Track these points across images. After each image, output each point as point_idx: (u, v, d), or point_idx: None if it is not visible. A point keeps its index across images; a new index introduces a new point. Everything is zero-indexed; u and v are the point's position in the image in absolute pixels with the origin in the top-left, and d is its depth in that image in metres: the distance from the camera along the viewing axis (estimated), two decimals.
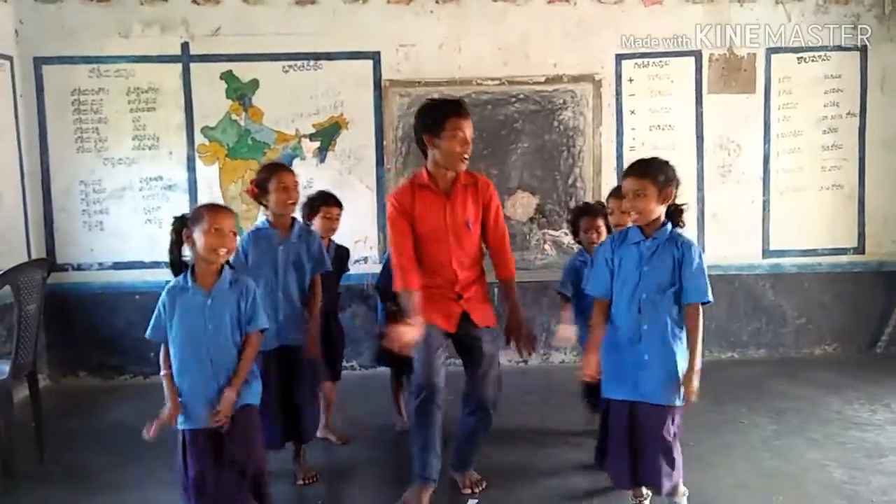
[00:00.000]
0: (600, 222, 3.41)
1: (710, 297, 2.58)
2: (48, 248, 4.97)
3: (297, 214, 3.40)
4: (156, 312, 2.48)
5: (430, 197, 2.86)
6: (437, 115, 2.79)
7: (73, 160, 4.96)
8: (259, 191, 3.10)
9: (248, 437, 2.52)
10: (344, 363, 4.95)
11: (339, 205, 3.68)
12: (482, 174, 3.12)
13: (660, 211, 2.58)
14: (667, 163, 2.60)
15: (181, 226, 2.48)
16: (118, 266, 5.00)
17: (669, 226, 2.62)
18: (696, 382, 2.50)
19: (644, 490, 2.77)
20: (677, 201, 2.65)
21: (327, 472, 3.35)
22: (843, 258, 5.29)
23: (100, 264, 5.01)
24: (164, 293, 2.49)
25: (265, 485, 2.58)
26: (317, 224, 3.59)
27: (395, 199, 2.88)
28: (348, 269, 3.92)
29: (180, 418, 2.46)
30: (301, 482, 3.21)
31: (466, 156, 2.83)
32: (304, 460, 3.29)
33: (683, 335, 2.61)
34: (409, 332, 2.67)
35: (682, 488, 2.71)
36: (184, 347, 2.46)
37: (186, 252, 2.53)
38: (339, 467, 3.43)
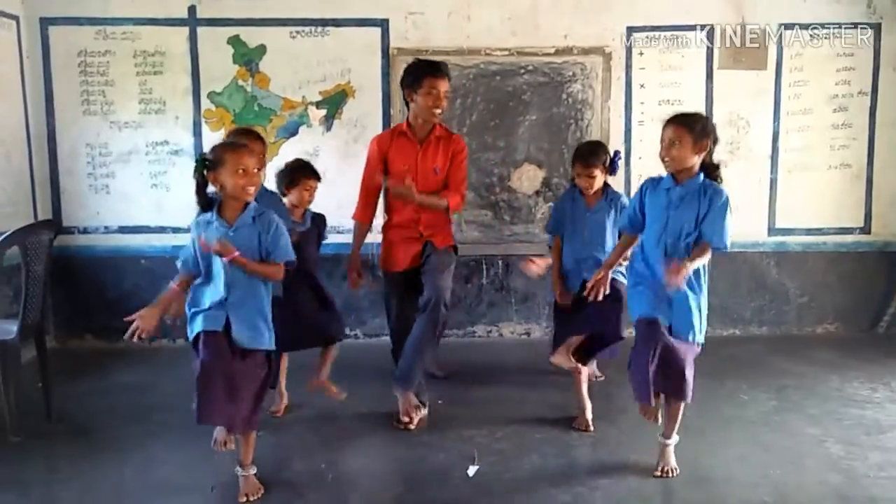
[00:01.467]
0: (595, 171, 3.43)
1: (725, 243, 2.71)
2: (54, 210, 4.98)
3: (272, 184, 3.56)
4: (187, 246, 2.69)
5: (405, 143, 3.41)
6: (417, 73, 3.28)
7: (79, 123, 4.94)
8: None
9: (256, 368, 2.70)
10: (347, 332, 5.04)
11: (317, 177, 3.61)
12: (486, 146, 3.48)
13: (694, 161, 2.72)
14: (706, 117, 2.87)
15: (204, 167, 2.58)
16: (124, 230, 5.01)
17: (702, 176, 2.75)
18: (679, 275, 2.57)
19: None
20: (713, 160, 2.79)
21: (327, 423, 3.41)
22: (849, 237, 5.28)
23: (106, 228, 5.02)
24: (192, 226, 2.70)
25: (259, 401, 2.73)
26: (294, 195, 3.54)
27: (377, 140, 3.49)
28: (325, 238, 3.82)
29: (197, 322, 2.63)
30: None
31: (437, 110, 3.33)
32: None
33: (706, 277, 2.82)
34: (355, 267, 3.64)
35: (675, 436, 2.94)
36: (207, 275, 2.65)
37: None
38: (338, 421, 3.49)
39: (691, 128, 2.67)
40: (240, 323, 2.64)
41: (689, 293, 2.77)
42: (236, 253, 2.54)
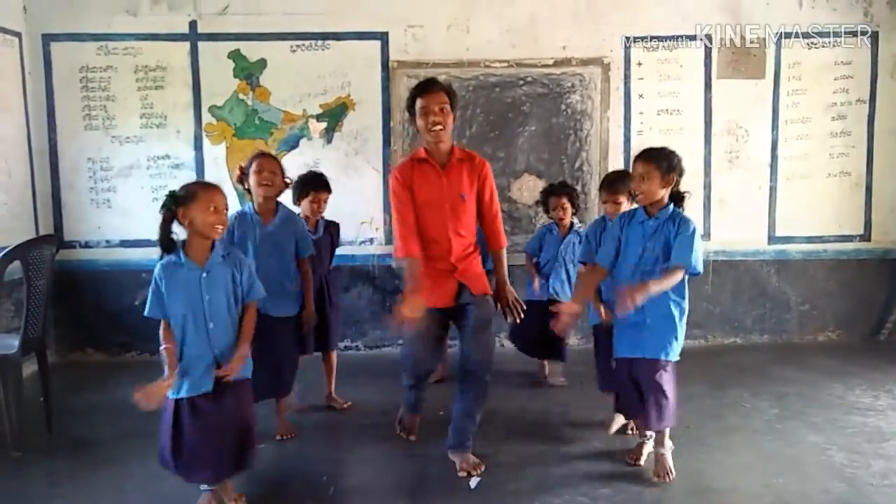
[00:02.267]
0: (565, 201, 4.10)
1: (695, 266, 2.83)
2: (56, 224, 5.00)
3: (287, 196, 3.63)
4: (151, 291, 2.57)
5: (427, 170, 3.04)
6: (411, 99, 3.04)
7: (80, 138, 4.97)
8: (243, 175, 3.35)
9: (245, 404, 2.68)
10: (348, 343, 5.06)
11: (328, 189, 3.83)
12: (486, 156, 3.41)
13: (662, 194, 2.91)
14: (672, 152, 2.92)
15: (173, 204, 2.53)
16: (125, 244, 5.03)
17: (671, 207, 2.93)
18: (636, 298, 2.65)
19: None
20: (681, 189, 2.97)
21: (329, 435, 3.40)
22: (849, 245, 5.29)
23: (107, 242, 5.04)
24: (157, 270, 2.57)
25: (252, 441, 2.70)
26: (305, 206, 3.77)
27: (398, 172, 3.08)
28: (339, 244, 4.02)
29: (180, 386, 2.55)
30: (279, 438, 3.46)
31: (436, 127, 2.95)
32: (284, 415, 3.53)
33: (683, 302, 2.94)
34: (412, 305, 2.83)
35: (668, 442, 3.03)
36: (183, 320, 2.55)
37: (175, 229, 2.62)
38: (340, 433, 3.48)
39: (659, 163, 2.86)
40: (219, 365, 2.61)
41: (667, 317, 2.90)
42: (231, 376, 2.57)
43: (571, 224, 4.18)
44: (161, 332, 2.57)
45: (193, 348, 2.56)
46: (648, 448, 3.15)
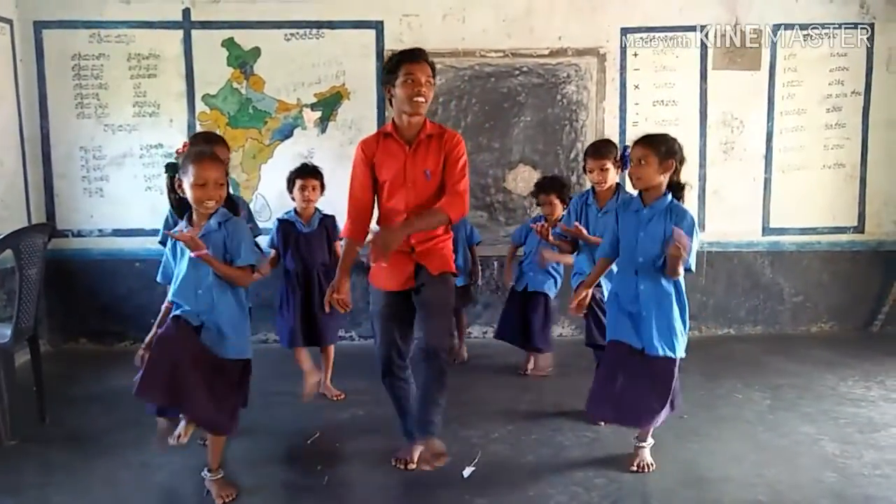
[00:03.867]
0: (554, 198, 4.11)
1: (689, 264, 2.72)
2: (48, 213, 4.97)
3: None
4: (164, 258, 2.73)
5: (393, 145, 2.85)
6: (393, 64, 2.82)
7: (73, 126, 4.94)
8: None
9: (227, 378, 2.65)
10: (342, 333, 5.04)
11: (316, 176, 3.79)
12: (481, 147, 3.20)
13: (660, 180, 2.80)
14: (673, 139, 2.83)
15: (174, 172, 2.64)
16: (118, 233, 5.00)
17: (669, 197, 2.83)
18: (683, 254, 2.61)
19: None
20: (681, 179, 2.87)
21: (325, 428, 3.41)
22: (843, 237, 5.30)
23: (100, 231, 5.01)
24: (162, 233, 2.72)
25: (227, 405, 2.67)
26: (296, 196, 3.81)
27: (362, 145, 2.92)
28: (337, 238, 3.90)
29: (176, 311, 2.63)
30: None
31: (419, 98, 2.75)
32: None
33: (681, 295, 2.84)
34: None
35: (650, 439, 3.00)
36: (179, 281, 2.64)
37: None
38: (334, 424, 3.48)
39: (657, 148, 2.76)
40: (211, 336, 2.62)
41: (662, 308, 2.80)
42: (205, 251, 2.54)
43: (560, 219, 4.10)
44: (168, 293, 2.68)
45: (184, 300, 2.63)
46: (648, 448, 3.02)
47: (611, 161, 3.46)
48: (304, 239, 3.81)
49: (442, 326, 2.87)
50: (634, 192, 2.98)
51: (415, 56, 2.79)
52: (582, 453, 3.19)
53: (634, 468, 2.96)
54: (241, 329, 2.71)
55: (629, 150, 3.12)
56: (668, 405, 2.86)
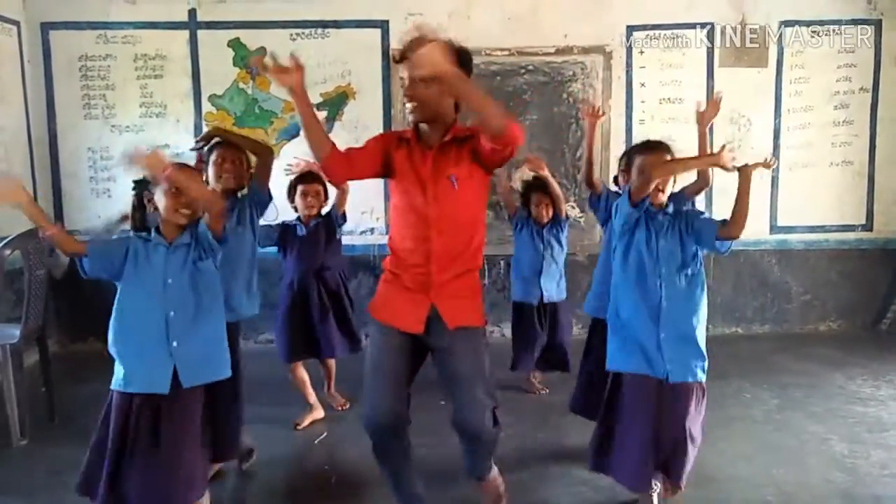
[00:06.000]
0: (549, 199, 3.79)
1: (715, 245, 2.50)
2: (56, 214, 4.99)
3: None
4: (102, 248, 2.30)
5: (413, 150, 2.28)
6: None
7: (80, 127, 4.96)
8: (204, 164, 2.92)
9: (189, 420, 2.28)
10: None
11: (319, 180, 3.52)
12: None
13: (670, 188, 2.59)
14: (669, 146, 2.64)
15: (142, 189, 2.36)
16: (126, 233, 5.00)
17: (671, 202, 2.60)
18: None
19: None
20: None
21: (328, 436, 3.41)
22: (851, 235, 5.28)
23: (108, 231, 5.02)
24: (122, 237, 2.33)
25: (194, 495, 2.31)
26: (298, 204, 3.56)
27: (382, 134, 2.44)
28: (338, 235, 3.66)
29: (127, 378, 2.26)
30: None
31: (410, 104, 2.20)
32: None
33: (702, 307, 2.52)
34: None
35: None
36: (134, 303, 2.28)
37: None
38: (340, 425, 3.49)
39: (670, 154, 2.58)
40: (188, 364, 2.26)
41: (684, 323, 2.46)
42: (170, 168, 2.22)
43: (546, 224, 3.86)
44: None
45: (147, 337, 2.25)
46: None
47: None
48: (301, 241, 3.57)
49: (477, 401, 2.26)
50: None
51: (401, 57, 2.18)
52: (588, 454, 3.17)
53: None
54: (223, 342, 2.40)
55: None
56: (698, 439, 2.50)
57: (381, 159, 2.30)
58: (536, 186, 3.84)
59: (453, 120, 2.26)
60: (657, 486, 2.57)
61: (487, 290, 5.12)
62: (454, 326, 2.24)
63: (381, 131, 4.94)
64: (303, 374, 3.61)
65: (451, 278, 2.25)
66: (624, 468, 2.48)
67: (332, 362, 3.77)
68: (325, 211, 3.65)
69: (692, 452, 2.48)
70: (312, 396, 3.63)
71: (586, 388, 3.08)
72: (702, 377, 2.47)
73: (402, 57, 2.15)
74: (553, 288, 3.88)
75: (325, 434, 3.43)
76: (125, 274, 2.29)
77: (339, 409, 3.80)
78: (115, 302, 2.32)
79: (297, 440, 3.40)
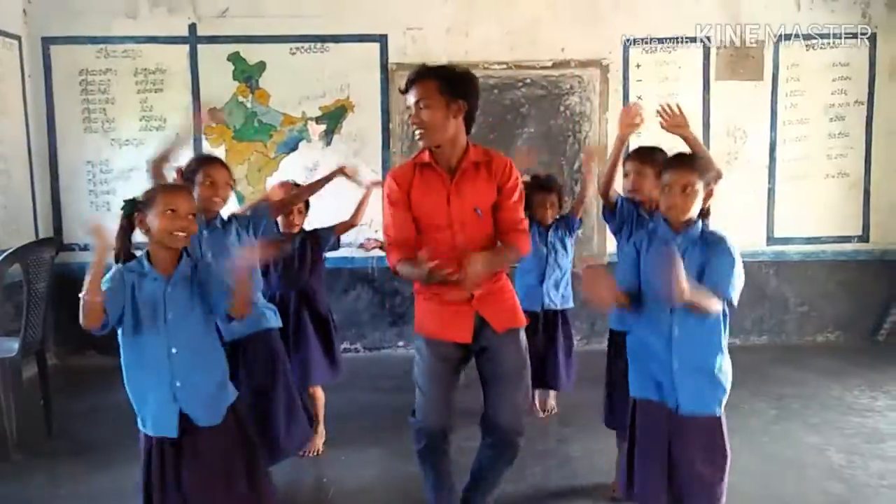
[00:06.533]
0: (554, 199, 3.66)
1: (731, 296, 2.20)
2: (55, 227, 5.00)
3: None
4: (112, 299, 2.07)
5: (432, 178, 2.35)
6: None
7: (80, 140, 4.98)
8: (183, 179, 2.81)
9: (217, 458, 2.16)
10: (347, 345, 5.05)
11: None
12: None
13: (697, 210, 2.24)
14: (711, 161, 2.35)
15: (132, 210, 2.15)
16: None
17: (700, 223, 2.26)
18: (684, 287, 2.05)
19: None
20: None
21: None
22: (848, 246, 5.29)
23: None
24: (110, 275, 2.09)
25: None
26: (281, 221, 3.29)
27: (394, 177, 2.41)
28: (321, 258, 3.45)
29: (144, 420, 2.16)
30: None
31: (418, 131, 2.31)
32: None
33: (722, 339, 2.27)
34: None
35: None
36: (137, 342, 2.14)
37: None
38: (339, 436, 3.49)
39: (702, 173, 2.21)
40: (197, 406, 2.14)
41: (700, 354, 2.23)
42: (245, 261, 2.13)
43: (550, 226, 3.71)
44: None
45: (150, 376, 2.13)
46: None
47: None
48: (285, 261, 3.30)
49: (519, 402, 2.40)
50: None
51: (406, 85, 2.34)
52: (589, 465, 3.18)
53: None
54: (226, 376, 2.28)
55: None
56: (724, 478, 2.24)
57: (408, 207, 2.38)
58: (538, 186, 3.67)
59: (466, 141, 2.36)
60: None
61: None
62: (503, 330, 2.36)
63: (379, 143, 5.01)
64: None
65: (487, 287, 2.35)
66: (641, 492, 2.32)
67: (319, 392, 3.46)
68: (309, 228, 3.45)
69: (707, 496, 2.23)
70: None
71: (608, 403, 2.89)
72: (719, 412, 2.23)
73: (408, 87, 2.31)
74: (556, 295, 3.70)
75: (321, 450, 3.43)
76: (125, 311, 2.12)
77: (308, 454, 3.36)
78: (120, 340, 2.18)
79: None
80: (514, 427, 2.37)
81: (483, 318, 2.36)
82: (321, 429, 3.44)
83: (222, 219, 2.83)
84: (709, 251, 2.20)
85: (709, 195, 2.24)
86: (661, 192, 2.26)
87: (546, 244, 3.68)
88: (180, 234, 2.12)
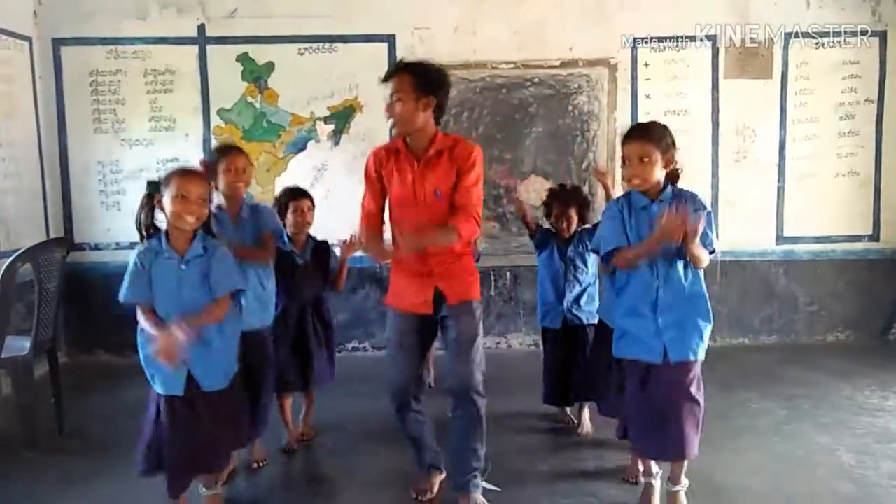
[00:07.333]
0: (573, 213, 3.51)
1: (714, 246, 2.52)
2: (66, 227, 5.04)
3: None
4: (130, 274, 2.40)
5: (402, 162, 2.65)
6: None
7: (90, 141, 5.01)
8: (208, 171, 2.87)
9: (222, 417, 2.50)
10: (356, 344, 5.07)
11: (307, 197, 3.44)
12: (493, 158, 2.94)
13: (661, 175, 2.48)
14: (666, 126, 2.51)
15: (154, 190, 2.40)
16: (135, 246, 5.03)
17: (670, 186, 2.52)
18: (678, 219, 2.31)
19: (653, 467, 2.73)
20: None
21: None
22: (858, 245, 5.27)
23: (117, 244, 5.07)
24: (134, 255, 2.42)
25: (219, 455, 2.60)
26: (289, 221, 3.38)
27: (372, 156, 2.75)
28: (332, 269, 3.50)
29: (156, 384, 2.45)
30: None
31: (391, 118, 2.62)
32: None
33: (703, 294, 2.55)
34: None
35: (684, 479, 2.64)
36: (156, 313, 2.39)
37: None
38: (344, 437, 3.50)
39: (658, 143, 2.43)
40: (203, 371, 2.44)
41: (683, 311, 2.51)
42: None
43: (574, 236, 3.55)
44: (139, 313, 2.40)
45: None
46: (658, 489, 2.73)
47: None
48: (298, 271, 3.38)
49: (471, 365, 2.62)
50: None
51: (386, 75, 2.63)
52: (596, 465, 3.18)
53: None
54: (234, 354, 2.58)
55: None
56: (699, 426, 2.54)
57: (380, 183, 2.73)
58: (558, 197, 3.57)
59: (434, 131, 2.65)
60: (659, 472, 2.73)
61: (493, 300, 5.14)
62: (456, 301, 2.65)
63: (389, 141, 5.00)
64: (289, 406, 3.48)
65: (447, 266, 2.65)
66: (637, 440, 2.67)
67: (312, 396, 3.60)
68: (319, 237, 3.53)
69: (692, 423, 2.52)
70: (289, 415, 3.48)
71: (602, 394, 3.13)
72: (700, 357, 2.54)
73: (386, 80, 2.60)
74: (579, 311, 3.50)
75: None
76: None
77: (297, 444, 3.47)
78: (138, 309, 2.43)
79: (299, 456, 3.41)
80: (468, 382, 2.62)
81: (441, 292, 2.65)
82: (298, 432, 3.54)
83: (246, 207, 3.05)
84: (688, 209, 2.37)
85: (668, 161, 2.48)
86: (622, 166, 2.56)
87: (564, 259, 3.51)
88: (189, 217, 2.35)
